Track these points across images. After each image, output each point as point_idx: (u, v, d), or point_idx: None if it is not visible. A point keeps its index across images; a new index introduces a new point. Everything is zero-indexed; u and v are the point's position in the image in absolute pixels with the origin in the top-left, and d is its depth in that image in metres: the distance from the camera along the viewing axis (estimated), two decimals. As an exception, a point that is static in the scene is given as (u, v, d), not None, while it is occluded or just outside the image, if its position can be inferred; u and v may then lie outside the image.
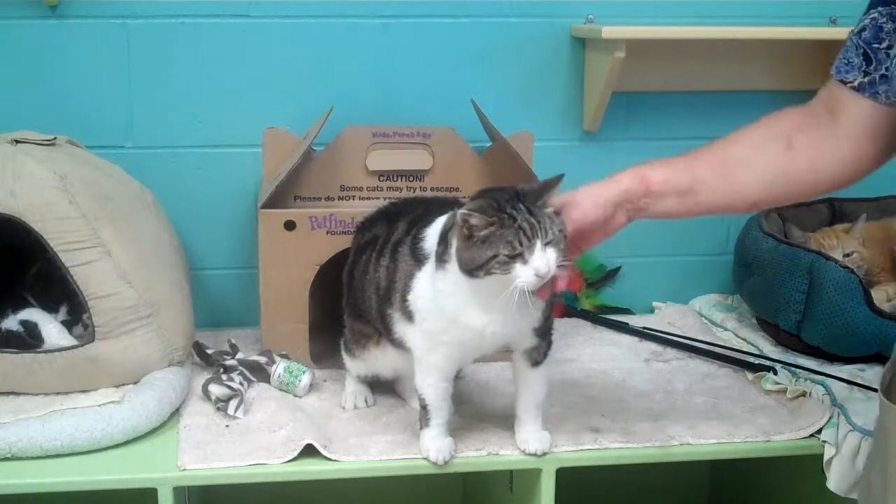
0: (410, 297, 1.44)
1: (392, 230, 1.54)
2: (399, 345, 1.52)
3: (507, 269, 1.31)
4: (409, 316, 1.45)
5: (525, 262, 1.30)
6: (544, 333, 1.47)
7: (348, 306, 1.66)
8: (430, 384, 1.47)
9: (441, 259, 1.38)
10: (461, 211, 1.32)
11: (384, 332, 1.55)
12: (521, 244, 1.30)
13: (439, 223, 1.43)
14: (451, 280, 1.36)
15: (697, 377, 1.80)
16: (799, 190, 1.38)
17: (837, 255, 1.88)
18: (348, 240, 1.71)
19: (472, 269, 1.33)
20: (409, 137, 1.84)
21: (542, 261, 1.30)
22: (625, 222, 1.41)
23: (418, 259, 1.44)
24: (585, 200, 1.38)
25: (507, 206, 1.32)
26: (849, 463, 1.53)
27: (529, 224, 1.30)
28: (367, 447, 1.51)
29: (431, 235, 1.43)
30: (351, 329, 1.66)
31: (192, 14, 1.91)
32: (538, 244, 1.30)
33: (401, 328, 1.49)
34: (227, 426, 1.57)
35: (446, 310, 1.39)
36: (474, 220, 1.31)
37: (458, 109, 1.91)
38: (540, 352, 1.48)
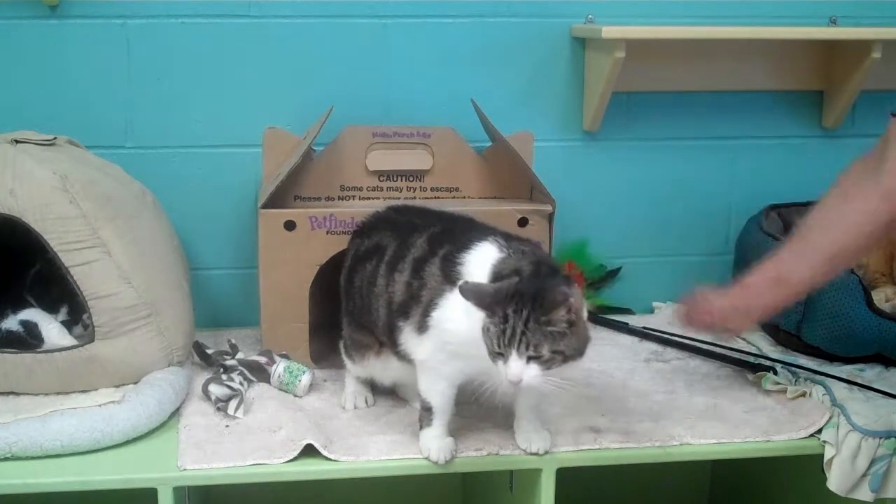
0: (435, 314, 1.43)
1: (407, 244, 1.51)
2: (403, 356, 1.51)
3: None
4: (424, 330, 1.44)
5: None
6: None
7: (348, 314, 1.65)
8: (439, 391, 1.47)
9: None
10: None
11: (390, 344, 1.54)
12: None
13: (481, 253, 1.42)
14: None
15: (697, 377, 1.80)
16: (880, 234, 1.47)
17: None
18: (348, 240, 1.71)
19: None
20: (409, 137, 1.84)
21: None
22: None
23: (452, 281, 1.42)
24: None
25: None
26: (849, 463, 1.53)
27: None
28: (367, 447, 1.51)
29: (471, 263, 1.42)
30: (350, 338, 1.65)
31: (192, 14, 1.91)
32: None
33: (412, 340, 1.48)
34: (227, 426, 1.57)
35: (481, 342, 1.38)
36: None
37: (458, 109, 1.91)
38: None
